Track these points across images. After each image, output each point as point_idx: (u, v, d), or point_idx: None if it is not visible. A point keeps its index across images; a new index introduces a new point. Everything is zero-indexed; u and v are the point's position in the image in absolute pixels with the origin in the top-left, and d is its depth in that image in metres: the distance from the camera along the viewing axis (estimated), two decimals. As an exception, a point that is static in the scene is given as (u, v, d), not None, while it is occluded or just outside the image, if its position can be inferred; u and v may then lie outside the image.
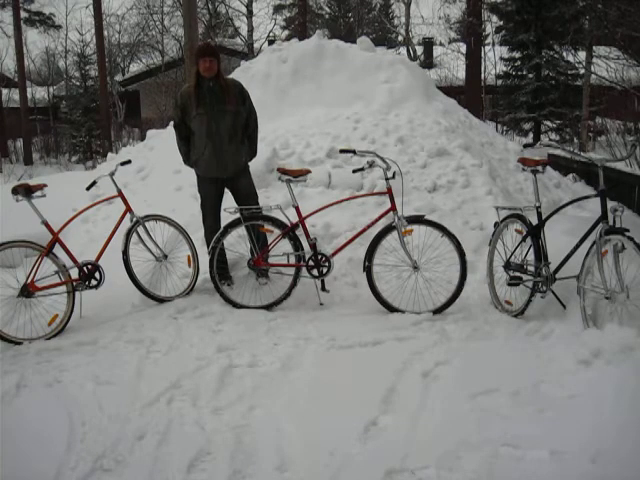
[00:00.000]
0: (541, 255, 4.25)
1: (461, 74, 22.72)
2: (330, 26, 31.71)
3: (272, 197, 5.80)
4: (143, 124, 23.17)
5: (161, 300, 4.86)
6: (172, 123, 5.13)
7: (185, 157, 5.10)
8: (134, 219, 4.91)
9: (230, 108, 4.82)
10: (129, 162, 5.30)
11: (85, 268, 4.57)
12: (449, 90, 11.65)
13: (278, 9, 30.61)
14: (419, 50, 26.66)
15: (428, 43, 28.94)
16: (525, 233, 4.42)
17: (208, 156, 4.85)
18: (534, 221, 4.36)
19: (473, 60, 19.02)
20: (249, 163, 5.18)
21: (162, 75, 24.33)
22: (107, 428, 2.97)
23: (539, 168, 4.42)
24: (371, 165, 4.72)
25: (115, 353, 3.91)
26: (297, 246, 4.75)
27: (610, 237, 3.74)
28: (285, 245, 4.77)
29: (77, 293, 4.53)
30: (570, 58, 16.47)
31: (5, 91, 25.81)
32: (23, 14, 25.75)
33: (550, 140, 15.50)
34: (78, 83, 22.43)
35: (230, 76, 8.38)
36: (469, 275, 4.66)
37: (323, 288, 4.77)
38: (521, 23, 16.44)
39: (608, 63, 11.70)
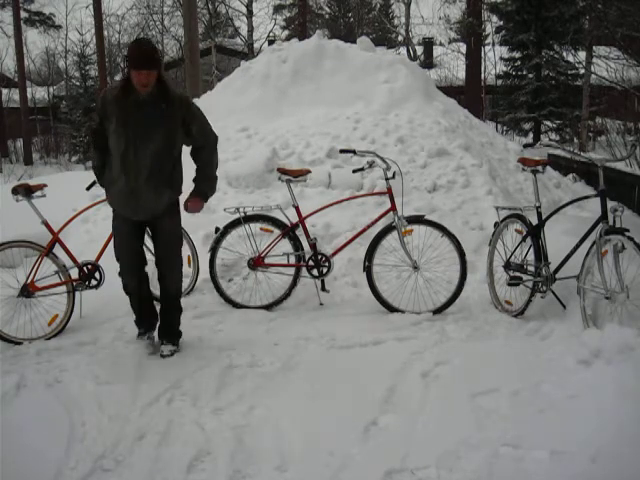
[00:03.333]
0: (541, 255, 4.25)
1: (461, 74, 22.71)
2: (330, 26, 31.70)
3: (272, 197, 5.80)
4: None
5: (161, 300, 4.85)
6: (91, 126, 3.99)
7: (97, 172, 3.94)
8: (134, 219, 4.90)
9: (159, 135, 3.61)
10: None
11: (85, 268, 4.57)
12: (449, 90, 11.64)
13: (278, 9, 30.60)
14: (419, 50, 26.66)
15: (428, 43, 28.92)
16: (525, 233, 4.42)
17: (120, 188, 3.72)
18: (534, 221, 4.36)
19: (473, 60, 19.02)
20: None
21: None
22: (107, 428, 2.97)
23: (539, 168, 4.42)
24: (371, 165, 4.73)
25: (115, 353, 3.91)
26: (297, 246, 4.75)
27: (610, 237, 3.74)
28: (285, 245, 4.77)
29: (77, 293, 4.53)
30: (570, 58, 16.49)
31: (5, 91, 25.80)
32: (23, 14, 25.77)
33: (550, 140, 15.50)
34: (78, 83, 22.44)
35: (229, 77, 8.38)
36: (469, 275, 4.66)
37: (323, 288, 4.77)
38: (521, 23, 16.46)
39: (608, 63, 11.70)
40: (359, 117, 6.93)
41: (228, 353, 3.83)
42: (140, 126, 3.56)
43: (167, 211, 3.80)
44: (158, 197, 3.71)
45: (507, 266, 4.56)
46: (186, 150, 3.88)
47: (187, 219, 5.51)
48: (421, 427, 2.91)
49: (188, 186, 3.94)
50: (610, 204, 3.95)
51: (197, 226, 5.38)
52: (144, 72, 3.47)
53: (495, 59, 21.38)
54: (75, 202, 6.13)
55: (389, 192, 4.67)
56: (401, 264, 4.67)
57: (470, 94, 18.62)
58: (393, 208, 4.62)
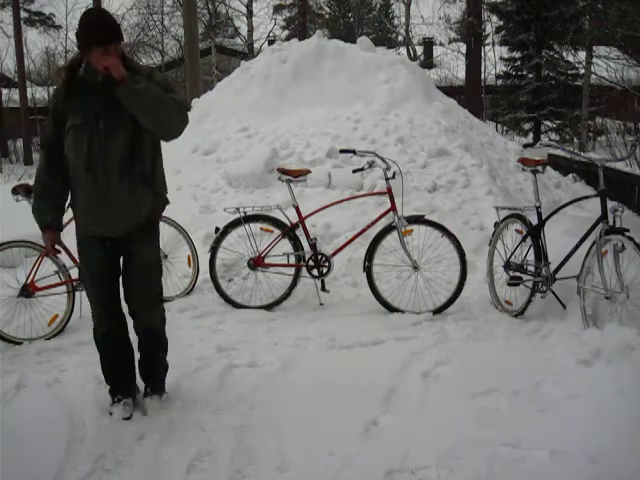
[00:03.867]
0: (541, 255, 4.25)
1: (461, 74, 22.70)
2: (330, 26, 31.70)
3: (272, 197, 5.80)
4: (143, 124, 23.13)
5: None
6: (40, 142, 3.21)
7: (39, 207, 3.01)
8: (134, 219, 4.88)
9: (128, 121, 2.81)
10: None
11: (85, 268, 4.56)
12: (449, 90, 11.64)
13: (278, 9, 30.60)
14: (419, 50, 26.64)
15: (428, 43, 28.92)
16: (525, 233, 4.42)
17: (85, 198, 2.92)
18: (534, 221, 4.36)
19: (473, 60, 19.01)
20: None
21: (162, 75, 24.31)
22: (107, 428, 2.97)
23: (539, 168, 4.42)
24: (371, 165, 4.74)
25: (115, 353, 3.90)
26: (297, 246, 4.75)
27: (610, 237, 3.74)
28: (285, 245, 4.77)
29: (77, 293, 4.52)
30: (570, 58, 16.50)
31: (5, 91, 25.79)
32: (23, 14, 25.79)
33: (550, 140, 15.51)
34: (78, 83, 22.38)
35: (229, 77, 8.36)
36: (469, 275, 4.66)
37: (323, 288, 4.77)
38: (521, 23, 16.47)
39: (608, 63, 11.72)
40: (359, 117, 6.93)
41: (228, 353, 3.83)
42: (105, 115, 2.80)
43: (145, 228, 3.00)
44: (138, 199, 2.92)
45: (507, 266, 4.56)
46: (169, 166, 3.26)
47: (187, 220, 5.53)
48: (421, 427, 2.91)
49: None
50: (610, 204, 3.95)
51: (197, 226, 5.37)
52: (112, 46, 2.73)
53: (495, 59, 21.44)
54: (75, 202, 6.13)
55: (389, 192, 4.67)
56: (401, 264, 4.67)
57: (470, 94, 18.61)
58: (393, 208, 4.62)
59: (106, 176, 2.85)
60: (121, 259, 3.08)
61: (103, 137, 2.82)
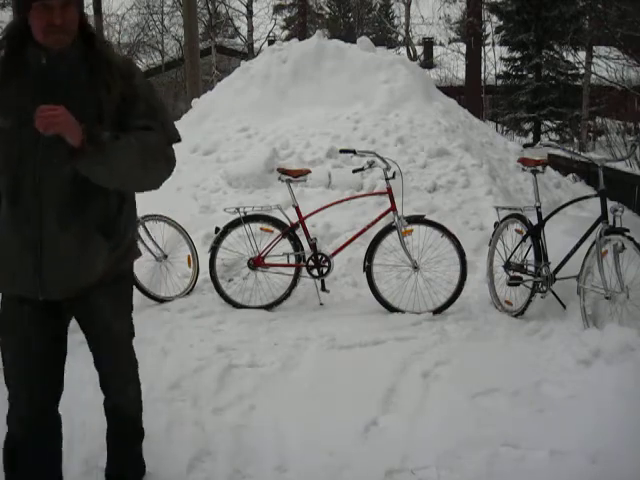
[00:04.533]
0: (541, 255, 4.25)
1: (461, 74, 22.67)
2: (330, 26, 31.69)
3: (272, 197, 5.80)
4: (143, 124, 23.11)
5: (161, 300, 4.86)
6: None
7: None
8: (134, 219, 4.87)
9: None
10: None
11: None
12: (449, 90, 11.63)
13: (278, 9, 30.60)
14: (419, 50, 26.64)
15: (428, 43, 28.90)
16: (525, 233, 4.42)
17: (10, 239, 1.93)
18: (534, 221, 4.36)
19: (473, 60, 19.00)
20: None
21: (162, 75, 24.32)
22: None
23: (539, 168, 4.42)
24: (371, 165, 4.74)
25: (115, 353, 3.90)
26: (297, 246, 4.75)
27: (610, 237, 3.74)
28: (285, 245, 4.77)
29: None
30: (570, 58, 16.52)
31: (5, 91, 25.81)
32: (23, 14, 25.72)
33: (550, 140, 15.52)
34: (78, 83, 22.38)
35: (229, 77, 8.35)
36: (469, 275, 4.66)
37: (323, 288, 4.77)
38: (521, 23, 16.48)
39: (608, 63, 11.74)
40: (359, 117, 6.93)
41: (228, 353, 3.82)
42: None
43: (106, 285, 2.05)
44: (84, 251, 1.94)
45: (507, 266, 4.56)
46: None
47: (187, 220, 5.51)
48: (421, 427, 2.91)
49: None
50: (610, 204, 3.95)
51: (197, 226, 5.37)
52: (55, 2, 1.77)
53: (495, 59, 21.42)
54: (75, 202, 6.12)
55: (389, 192, 4.67)
56: (401, 264, 4.67)
57: (470, 94, 18.59)
58: (393, 208, 4.62)
59: (40, 216, 1.88)
60: (67, 330, 2.17)
61: (40, 158, 1.85)
